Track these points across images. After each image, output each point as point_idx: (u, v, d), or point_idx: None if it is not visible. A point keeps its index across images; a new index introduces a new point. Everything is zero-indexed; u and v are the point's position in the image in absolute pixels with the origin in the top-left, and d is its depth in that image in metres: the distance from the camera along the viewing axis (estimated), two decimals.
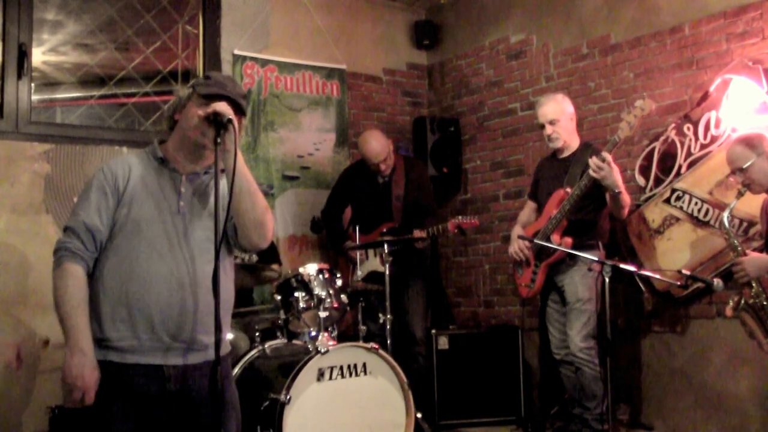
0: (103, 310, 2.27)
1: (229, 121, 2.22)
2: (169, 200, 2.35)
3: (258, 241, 2.38)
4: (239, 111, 2.36)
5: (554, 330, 4.35)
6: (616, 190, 3.96)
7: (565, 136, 4.30)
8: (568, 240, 4.11)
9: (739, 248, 3.55)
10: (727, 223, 3.59)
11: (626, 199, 4.07)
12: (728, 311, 3.57)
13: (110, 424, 2.24)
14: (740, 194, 3.56)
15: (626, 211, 4.15)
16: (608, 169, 3.91)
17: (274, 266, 4.50)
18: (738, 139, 3.69)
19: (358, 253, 4.69)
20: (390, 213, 4.92)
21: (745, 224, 4.10)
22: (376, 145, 4.86)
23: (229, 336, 2.53)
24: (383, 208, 4.94)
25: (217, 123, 2.22)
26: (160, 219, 2.32)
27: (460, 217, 4.68)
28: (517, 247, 4.36)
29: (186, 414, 2.30)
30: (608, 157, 3.92)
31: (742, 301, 3.49)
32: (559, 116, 4.27)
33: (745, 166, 3.49)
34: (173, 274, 2.27)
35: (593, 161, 3.94)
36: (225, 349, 2.46)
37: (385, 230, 4.88)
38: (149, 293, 2.26)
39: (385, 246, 4.40)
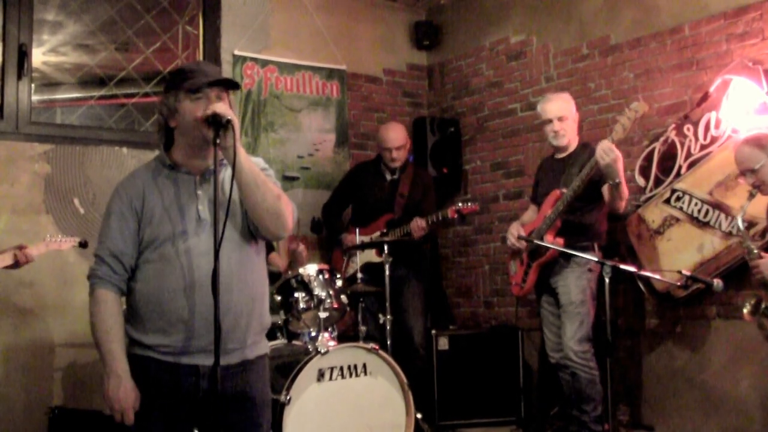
0: (140, 320, 2.34)
1: (228, 121, 2.21)
2: (187, 208, 2.35)
3: (277, 230, 2.38)
4: (233, 86, 2.40)
5: (549, 332, 4.33)
6: (617, 180, 3.92)
7: (570, 135, 4.30)
8: (560, 241, 4.10)
9: (755, 251, 3.48)
10: (741, 227, 3.54)
11: (625, 190, 4.05)
12: (746, 315, 3.51)
13: (142, 419, 2.28)
14: (752, 196, 3.49)
15: (624, 203, 4.12)
16: (614, 155, 3.83)
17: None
18: (746, 139, 3.62)
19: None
20: (392, 207, 4.97)
21: (745, 224, 4.08)
22: (395, 133, 5.03)
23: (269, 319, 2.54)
24: (386, 204, 4.99)
25: (217, 124, 2.22)
26: (184, 229, 2.33)
27: (460, 204, 4.70)
28: (513, 240, 4.38)
29: (218, 413, 2.30)
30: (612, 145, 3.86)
31: (763, 305, 3.44)
32: (567, 114, 4.27)
33: (756, 167, 3.42)
34: (203, 281, 2.27)
35: (601, 145, 3.86)
36: (263, 349, 2.49)
37: (385, 226, 4.91)
38: (182, 303, 2.28)
39: (385, 246, 4.40)
